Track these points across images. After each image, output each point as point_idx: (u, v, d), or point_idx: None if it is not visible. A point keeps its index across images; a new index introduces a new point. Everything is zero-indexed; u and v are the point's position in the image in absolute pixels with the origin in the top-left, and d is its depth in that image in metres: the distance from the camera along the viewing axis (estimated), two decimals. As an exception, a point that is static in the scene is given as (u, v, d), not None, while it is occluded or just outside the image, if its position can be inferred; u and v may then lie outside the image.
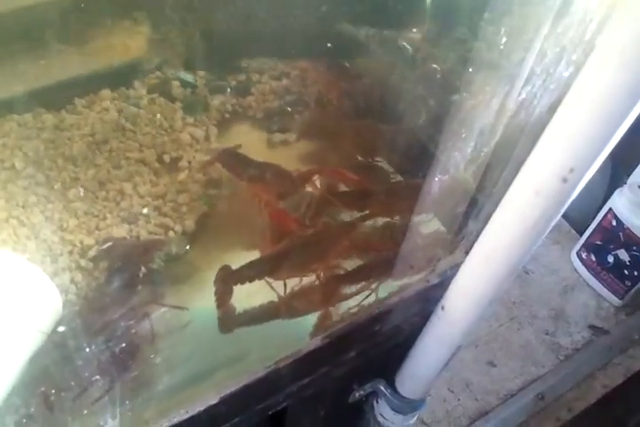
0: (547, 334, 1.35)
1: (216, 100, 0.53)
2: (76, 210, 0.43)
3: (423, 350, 0.51)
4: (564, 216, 1.61)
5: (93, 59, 0.51)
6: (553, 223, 0.38)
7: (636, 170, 1.24)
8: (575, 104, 0.31)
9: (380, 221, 0.46)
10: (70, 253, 0.41)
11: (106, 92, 0.51)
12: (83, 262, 0.40)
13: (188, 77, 0.54)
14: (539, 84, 0.36)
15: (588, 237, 1.37)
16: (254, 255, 0.43)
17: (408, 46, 0.56)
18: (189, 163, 0.47)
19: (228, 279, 0.41)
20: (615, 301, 1.37)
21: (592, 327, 1.36)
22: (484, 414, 1.24)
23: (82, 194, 0.43)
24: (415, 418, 0.60)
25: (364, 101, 0.54)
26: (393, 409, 0.59)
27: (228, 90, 0.54)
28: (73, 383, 0.34)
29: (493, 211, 0.39)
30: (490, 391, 1.27)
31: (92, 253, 0.41)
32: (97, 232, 0.41)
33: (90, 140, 0.47)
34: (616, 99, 0.30)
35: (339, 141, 0.49)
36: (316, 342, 0.42)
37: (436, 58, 0.52)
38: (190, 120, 0.51)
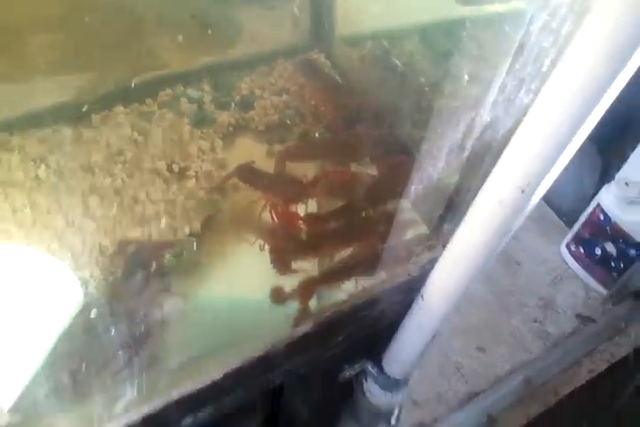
0: (535, 321, 1.38)
1: (221, 115, 0.57)
2: (94, 215, 0.47)
3: (406, 335, 0.55)
4: (554, 210, 1.65)
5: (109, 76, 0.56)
6: (515, 227, 0.42)
7: (624, 167, 1.28)
8: (531, 129, 0.36)
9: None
10: (90, 252, 0.45)
11: (119, 109, 0.55)
12: (101, 260, 0.44)
13: (195, 94, 0.58)
14: (501, 110, 0.40)
15: (578, 231, 1.40)
16: (253, 253, 0.48)
17: (398, 63, 0.60)
18: (196, 172, 0.51)
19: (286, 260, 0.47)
20: (602, 291, 1.41)
21: (579, 316, 1.40)
22: (474, 396, 1.28)
23: (99, 201, 0.48)
24: (401, 395, 0.65)
25: (356, 113, 0.58)
26: (381, 387, 0.63)
27: (233, 105, 0.58)
28: (97, 360, 0.39)
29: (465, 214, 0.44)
30: (479, 375, 1.31)
31: (109, 252, 0.45)
32: (114, 234, 0.46)
33: (106, 153, 0.51)
34: (563, 127, 0.34)
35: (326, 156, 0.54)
36: (307, 327, 0.46)
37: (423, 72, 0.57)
38: (198, 133, 0.55)
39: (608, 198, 1.27)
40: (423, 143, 0.46)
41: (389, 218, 0.50)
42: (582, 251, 1.38)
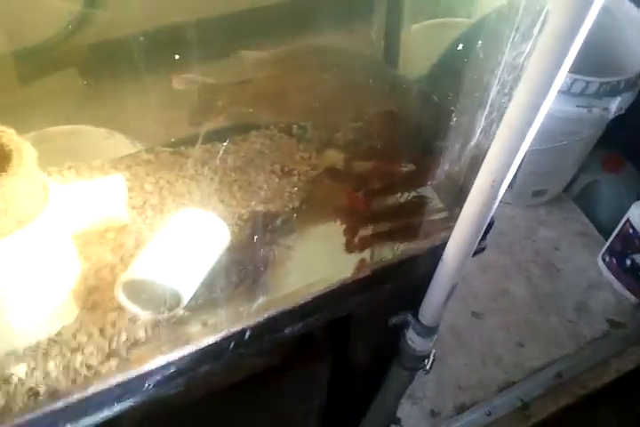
0: (570, 322, 1.55)
1: (317, 136, 0.84)
2: (236, 196, 0.75)
3: (433, 289, 0.78)
4: (596, 226, 1.81)
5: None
6: (492, 210, 0.65)
7: (654, 186, 1.43)
8: (497, 144, 0.60)
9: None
10: (232, 217, 0.72)
11: (254, 132, 0.84)
12: (239, 222, 0.72)
13: (302, 123, 0.85)
14: (483, 135, 0.64)
15: (611, 243, 1.56)
16: (332, 223, 0.75)
17: (435, 98, 0.87)
18: (298, 172, 0.78)
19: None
20: (633, 299, 1.55)
21: (610, 321, 1.55)
22: (511, 384, 1.47)
23: (238, 188, 0.77)
24: (432, 342, 0.88)
25: (405, 131, 0.85)
26: (417, 334, 0.87)
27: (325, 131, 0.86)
28: (235, 279, 0.67)
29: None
30: (517, 366, 1.49)
31: (244, 217, 0.73)
32: (247, 208, 0.73)
33: (244, 159, 0.79)
34: (513, 145, 0.57)
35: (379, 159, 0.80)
36: (366, 271, 0.72)
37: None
38: (301, 147, 0.82)
39: (636, 214, 1.42)
40: (443, 150, 0.72)
41: (421, 202, 0.75)
42: (615, 262, 1.54)
